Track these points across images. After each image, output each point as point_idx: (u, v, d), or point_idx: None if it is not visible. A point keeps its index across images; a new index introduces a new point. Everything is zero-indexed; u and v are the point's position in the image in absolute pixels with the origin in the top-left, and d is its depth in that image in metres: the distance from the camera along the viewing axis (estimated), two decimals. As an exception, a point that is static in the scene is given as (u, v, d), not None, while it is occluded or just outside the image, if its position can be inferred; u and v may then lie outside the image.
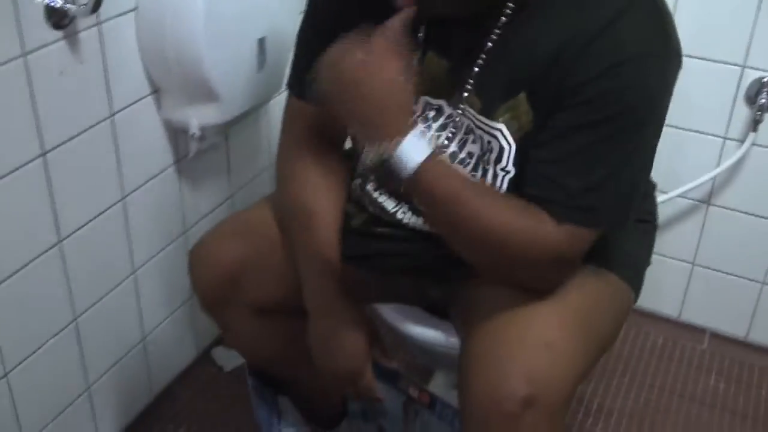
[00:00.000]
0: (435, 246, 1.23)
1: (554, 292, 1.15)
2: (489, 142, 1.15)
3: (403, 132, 1.03)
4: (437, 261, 1.28)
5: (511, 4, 1.10)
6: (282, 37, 1.67)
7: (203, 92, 1.54)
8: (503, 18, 1.10)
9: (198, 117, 1.59)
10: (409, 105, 1.06)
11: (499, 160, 1.15)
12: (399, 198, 1.29)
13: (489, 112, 1.13)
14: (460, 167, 1.16)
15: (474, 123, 1.16)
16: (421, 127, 1.05)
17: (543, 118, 1.10)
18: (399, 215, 1.30)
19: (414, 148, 1.04)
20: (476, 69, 1.13)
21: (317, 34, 1.23)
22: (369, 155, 1.05)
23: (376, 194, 1.33)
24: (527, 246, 1.10)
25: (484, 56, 1.13)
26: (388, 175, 1.05)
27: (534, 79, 1.08)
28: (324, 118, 1.28)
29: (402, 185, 1.06)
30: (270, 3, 1.63)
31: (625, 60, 1.04)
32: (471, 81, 1.14)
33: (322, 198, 1.31)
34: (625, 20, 1.05)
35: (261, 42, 1.61)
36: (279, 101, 1.60)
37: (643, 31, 1.07)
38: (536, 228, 1.09)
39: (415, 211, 1.28)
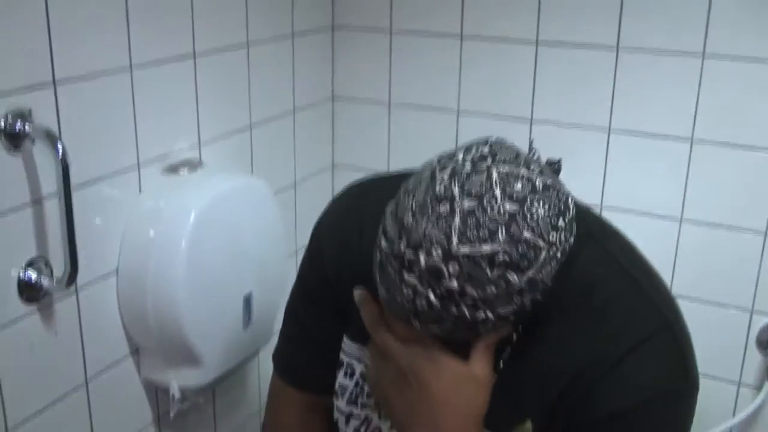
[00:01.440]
0: None
1: None
2: None
3: None
4: None
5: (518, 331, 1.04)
6: (270, 289, 1.62)
7: (184, 355, 1.48)
8: (509, 346, 1.03)
9: (179, 379, 1.51)
10: (481, 426, 1.01)
11: None
12: None
13: None
14: None
15: None
16: None
17: None
18: None
19: None
20: None
21: (308, 313, 1.21)
22: None
23: None
24: None
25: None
26: None
27: (542, 408, 1.02)
28: (314, 401, 1.24)
29: None
30: (258, 255, 1.58)
31: (641, 402, 0.97)
32: None
33: None
34: (642, 354, 0.98)
35: (247, 299, 1.55)
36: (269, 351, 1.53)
37: (662, 368, 0.99)
38: None
39: None
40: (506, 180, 0.87)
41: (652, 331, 0.99)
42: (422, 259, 0.86)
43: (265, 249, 1.59)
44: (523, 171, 0.88)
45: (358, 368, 1.18)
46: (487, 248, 0.84)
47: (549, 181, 0.89)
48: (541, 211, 0.86)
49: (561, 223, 0.88)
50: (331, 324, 1.19)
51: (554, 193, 0.89)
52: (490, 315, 0.87)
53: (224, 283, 1.50)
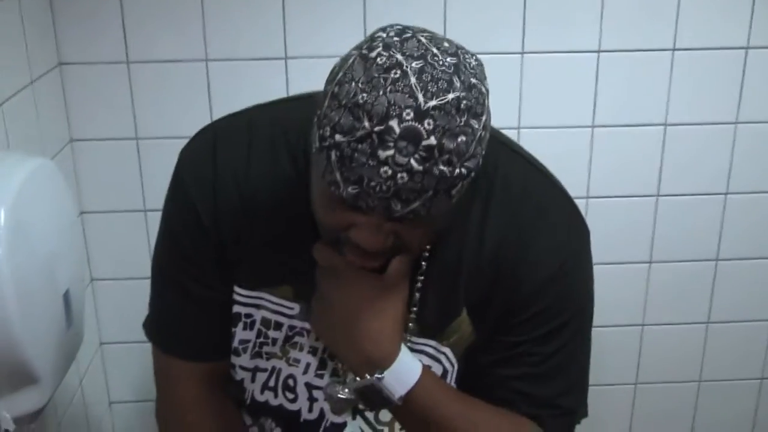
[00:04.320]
0: None
1: None
2: (428, 367, 1.12)
3: (393, 356, 1.05)
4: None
5: None
6: (80, 281, 1.39)
7: (16, 378, 1.20)
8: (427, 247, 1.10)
9: (12, 408, 1.22)
10: (401, 330, 1.07)
11: None
12: None
13: (431, 334, 1.12)
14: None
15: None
16: (405, 347, 1.07)
17: (487, 329, 1.11)
18: None
19: (405, 369, 1.05)
20: (416, 294, 1.11)
21: (186, 273, 1.14)
22: (353, 382, 1.07)
23: None
24: None
25: (422, 277, 1.10)
26: (377, 399, 1.06)
27: (475, 294, 1.09)
28: (212, 369, 1.20)
29: (393, 407, 1.07)
30: (63, 246, 1.31)
31: (566, 256, 1.08)
32: (414, 308, 1.11)
33: None
34: (551, 217, 1.09)
35: (66, 297, 1.29)
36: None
37: (570, 223, 1.11)
38: None
39: None
40: (434, 41, 0.89)
41: (554, 198, 1.12)
42: (395, 126, 0.84)
43: (67, 238, 1.35)
44: (439, 35, 0.92)
45: (258, 316, 1.15)
46: (451, 96, 0.85)
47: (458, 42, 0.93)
48: (473, 62, 0.90)
49: (484, 72, 0.92)
50: (216, 279, 1.14)
51: (468, 49, 0.92)
52: (463, 170, 0.88)
53: (45, 286, 1.25)
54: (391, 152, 0.84)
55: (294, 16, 1.62)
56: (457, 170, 0.87)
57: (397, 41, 0.87)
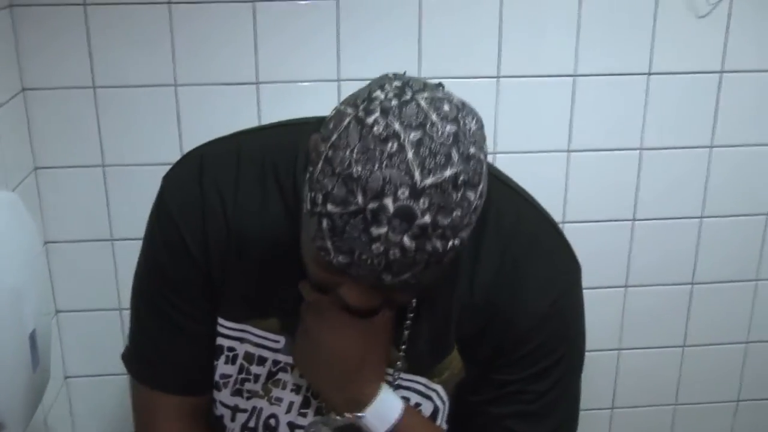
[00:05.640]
0: None
1: None
2: (418, 404, 1.12)
3: (374, 394, 1.04)
4: None
5: None
6: (47, 318, 1.38)
7: None
8: None
9: None
10: (383, 369, 1.07)
11: (432, 419, 1.13)
12: None
13: (420, 371, 1.11)
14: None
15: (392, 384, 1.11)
16: (386, 385, 1.07)
17: (478, 366, 1.10)
18: None
19: (386, 407, 1.05)
20: (406, 331, 1.08)
21: (171, 304, 1.11)
22: (334, 420, 1.06)
23: None
24: None
25: (411, 315, 1.07)
26: None
27: (467, 331, 1.08)
28: (194, 403, 1.17)
29: None
30: (27, 283, 1.27)
31: (559, 296, 1.07)
32: (403, 346, 1.09)
33: None
34: (544, 256, 1.08)
35: (32, 338, 1.26)
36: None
37: (560, 258, 1.10)
38: None
39: None
40: (434, 105, 0.86)
41: (546, 233, 1.11)
42: (389, 204, 0.82)
43: (31, 272, 1.32)
44: (439, 94, 0.88)
45: (241, 351, 1.13)
46: (448, 173, 0.83)
47: (460, 99, 0.90)
48: (473, 126, 0.87)
49: (485, 132, 0.90)
50: (201, 309, 1.12)
51: (469, 107, 0.90)
52: (456, 242, 0.86)
53: (10, 325, 1.21)
54: (384, 230, 0.83)
55: (265, 40, 1.59)
56: (451, 243, 0.86)
57: (395, 106, 0.84)
